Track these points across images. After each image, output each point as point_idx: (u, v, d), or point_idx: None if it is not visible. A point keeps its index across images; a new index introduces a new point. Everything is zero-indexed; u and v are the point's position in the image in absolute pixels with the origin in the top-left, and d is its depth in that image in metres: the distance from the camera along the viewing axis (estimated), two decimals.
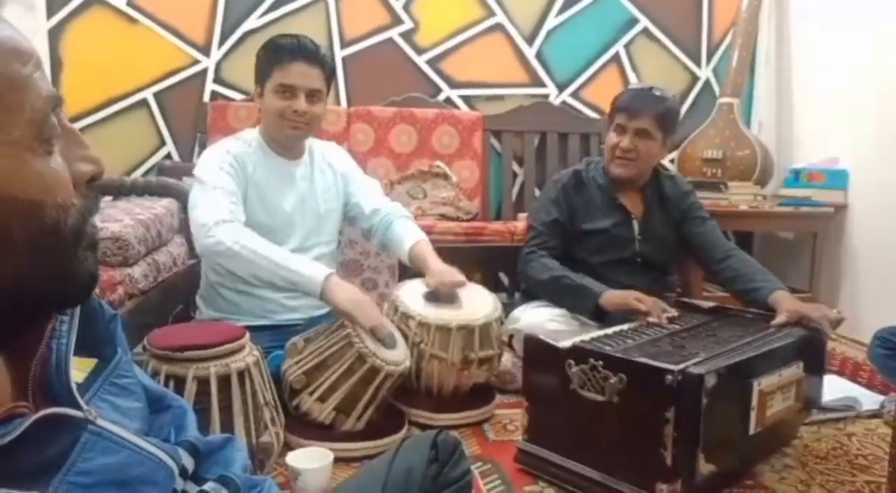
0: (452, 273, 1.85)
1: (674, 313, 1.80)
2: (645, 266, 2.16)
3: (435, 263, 1.88)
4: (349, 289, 1.67)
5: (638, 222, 2.15)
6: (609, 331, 1.65)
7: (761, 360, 1.47)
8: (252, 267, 1.64)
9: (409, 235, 1.96)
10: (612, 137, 2.10)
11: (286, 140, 1.86)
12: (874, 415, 1.91)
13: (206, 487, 0.65)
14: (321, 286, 1.62)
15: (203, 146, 2.74)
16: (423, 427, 1.71)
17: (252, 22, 2.99)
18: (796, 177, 3.06)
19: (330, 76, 1.87)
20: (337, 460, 1.43)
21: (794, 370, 1.55)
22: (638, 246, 2.15)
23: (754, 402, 1.43)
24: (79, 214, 0.51)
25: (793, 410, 1.58)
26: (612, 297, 1.91)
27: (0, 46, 0.47)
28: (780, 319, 1.71)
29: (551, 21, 3.27)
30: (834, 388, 1.95)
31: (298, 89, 1.78)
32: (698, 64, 3.44)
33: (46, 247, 0.49)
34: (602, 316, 1.92)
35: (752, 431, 1.44)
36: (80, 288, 0.54)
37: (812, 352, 1.66)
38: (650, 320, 1.76)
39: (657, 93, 2.08)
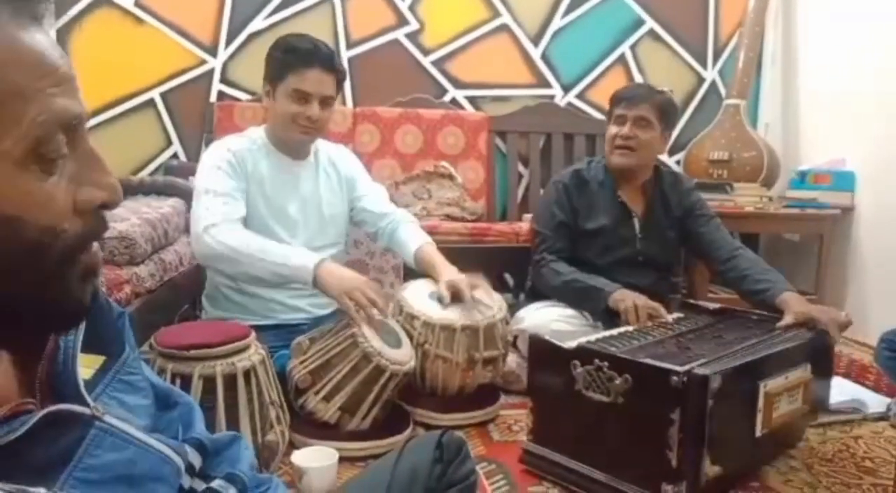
0: (464, 281, 1.83)
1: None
2: (648, 265, 2.16)
3: (444, 267, 1.88)
4: (341, 276, 1.64)
5: (639, 220, 2.15)
6: (614, 332, 1.66)
7: (768, 362, 1.46)
8: (242, 266, 1.65)
9: (414, 239, 1.97)
10: (611, 129, 2.13)
11: (295, 143, 1.87)
12: (881, 418, 1.90)
13: (213, 484, 0.66)
14: (312, 274, 1.62)
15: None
16: (428, 427, 1.72)
17: (259, 22, 3.00)
18: (802, 178, 3.04)
19: (341, 81, 1.87)
20: (342, 459, 1.43)
21: (802, 372, 1.55)
22: (639, 244, 2.14)
23: (760, 403, 1.43)
24: (73, 239, 0.48)
25: (799, 412, 1.58)
26: (616, 299, 1.89)
27: (16, 54, 0.45)
28: (786, 320, 1.70)
29: (557, 22, 3.27)
30: (840, 390, 1.94)
31: (313, 96, 1.77)
32: (704, 65, 3.44)
33: (27, 268, 0.46)
34: (615, 317, 1.89)
35: (758, 433, 1.44)
36: (62, 316, 0.51)
37: (820, 354, 1.65)
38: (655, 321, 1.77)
39: (655, 87, 2.15)
